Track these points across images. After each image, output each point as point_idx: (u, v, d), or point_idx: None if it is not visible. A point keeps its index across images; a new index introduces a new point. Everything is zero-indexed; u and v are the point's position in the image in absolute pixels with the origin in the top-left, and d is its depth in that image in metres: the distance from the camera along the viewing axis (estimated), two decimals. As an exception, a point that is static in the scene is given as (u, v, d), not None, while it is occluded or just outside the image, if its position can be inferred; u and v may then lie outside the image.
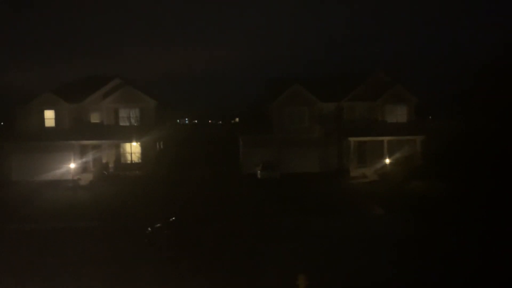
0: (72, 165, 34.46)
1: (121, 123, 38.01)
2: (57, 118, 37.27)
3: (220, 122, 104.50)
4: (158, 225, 19.65)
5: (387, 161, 35.01)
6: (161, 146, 43.07)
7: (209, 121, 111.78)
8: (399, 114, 38.05)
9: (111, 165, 36.62)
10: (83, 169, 35.63)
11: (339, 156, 37.70)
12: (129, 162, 37.55)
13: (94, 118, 38.70)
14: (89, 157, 36.69)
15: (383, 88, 37.86)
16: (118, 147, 37.22)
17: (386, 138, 35.71)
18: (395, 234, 19.76)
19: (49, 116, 37.38)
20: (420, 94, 39.58)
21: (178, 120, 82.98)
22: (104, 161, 36.69)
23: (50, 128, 37.02)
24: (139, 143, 36.83)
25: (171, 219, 20.03)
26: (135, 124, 37.80)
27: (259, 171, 34.79)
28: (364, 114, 38.04)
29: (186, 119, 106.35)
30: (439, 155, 34.79)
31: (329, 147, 37.79)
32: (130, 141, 36.65)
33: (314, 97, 37.97)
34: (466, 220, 21.77)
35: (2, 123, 60.41)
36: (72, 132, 36.41)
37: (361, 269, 15.65)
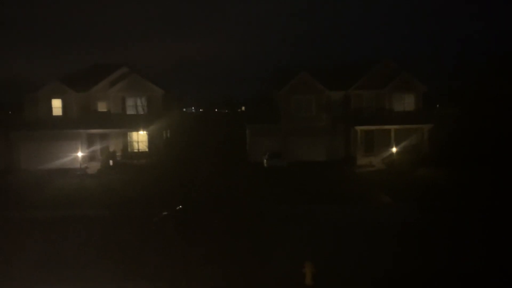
0: (80, 154, 34.72)
1: (128, 112, 38.14)
2: (64, 107, 37.47)
3: (227, 110, 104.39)
4: (165, 213, 19.81)
5: (394, 149, 34.88)
6: (168, 135, 43.18)
7: (216, 109, 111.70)
8: (406, 103, 37.78)
9: (118, 153, 36.81)
10: (91, 157, 35.88)
11: (346, 144, 37.62)
12: (136, 150, 37.71)
13: (101, 107, 38.86)
14: (97, 145, 36.91)
15: (390, 76, 37.56)
16: (125, 135, 37.39)
17: (393, 127, 35.53)
18: (401, 223, 19.78)
19: (57, 105, 37.58)
20: (429, 82, 39.28)
21: (184, 109, 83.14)
22: (111, 149, 36.90)
23: (57, 117, 37.23)
24: (146, 131, 36.94)
25: (177, 208, 20.18)
26: (142, 113, 37.90)
27: (265, 160, 34.82)
28: (371, 102, 37.83)
29: (193, 107, 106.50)
30: (446, 143, 34.58)
31: (336, 135, 37.70)
32: (137, 130, 36.78)
33: (322, 85, 37.79)
34: (473, 207, 21.71)
35: (10, 112, 60.77)
36: (80, 121, 36.59)
37: (367, 257, 15.70)
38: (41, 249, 17.01)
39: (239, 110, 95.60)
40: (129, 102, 38.20)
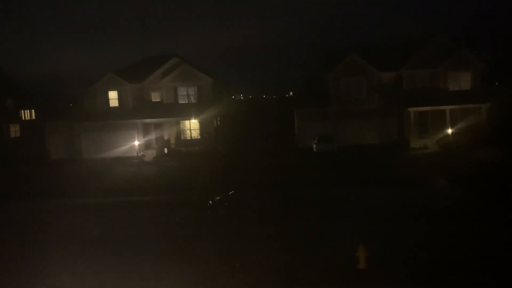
0: (136, 143, 36.27)
1: (180, 101, 39.30)
2: (120, 98, 39.15)
3: (275, 96, 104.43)
4: (218, 198, 20.47)
5: (450, 131, 33.61)
6: (219, 122, 44.08)
7: (264, 96, 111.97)
8: (463, 81, 36.10)
9: (172, 141, 38.11)
10: (147, 146, 37.38)
11: (399, 127, 36.66)
12: (189, 138, 38.88)
13: (155, 97, 40.26)
14: (152, 134, 38.39)
15: (445, 54, 36.00)
16: (178, 124, 38.57)
17: (448, 107, 34.17)
18: (458, 206, 19.21)
19: (113, 96, 39.35)
20: (487, 58, 37.32)
21: (233, 96, 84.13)
22: (166, 138, 38.23)
23: (114, 108, 39.02)
24: (198, 120, 37.92)
25: (230, 192, 20.78)
26: (193, 102, 38.94)
27: (314, 144, 34.67)
28: (425, 82, 36.52)
29: (241, 95, 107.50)
30: (506, 123, 32.83)
31: (388, 118, 36.79)
32: (189, 118, 37.83)
33: (372, 66, 36.92)
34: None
35: (70, 105, 64.36)
36: (135, 111, 38.15)
37: (421, 241, 15.44)
38: (108, 230, 18.20)
39: (287, 95, 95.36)
40: (181, 91, 39.33)
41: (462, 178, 24.04)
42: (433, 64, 36.10)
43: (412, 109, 34.70)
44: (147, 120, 37.38)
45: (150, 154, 35.46)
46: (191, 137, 38.89)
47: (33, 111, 54.74)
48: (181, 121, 38.51)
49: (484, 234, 15.90)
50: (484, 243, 15.10)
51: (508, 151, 29.61)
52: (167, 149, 36.83)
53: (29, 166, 34.71)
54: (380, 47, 41.20)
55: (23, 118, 52.22)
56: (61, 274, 14.23)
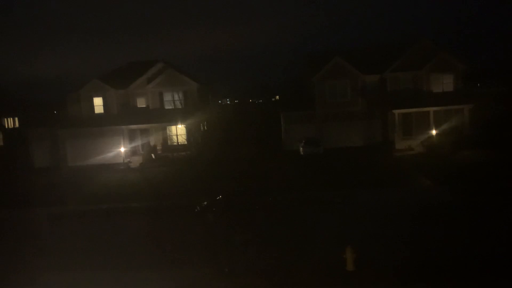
0: (122, 149, 35.99)
1: (166, 107, 39.15)
2: (105, 104, 38.85)
3: (261, 100, 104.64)
4: (205, 203, 20.45)
5: (434, 132, 34.10)
6: (205, 127, 44.02)
7: (250, 100, 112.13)
8: (445, 83, 36.73)
9: (159, 147, 37.91)
10: (133, 152, 37.10)
11: (384, 129, 37.07)
12: (175, 144, 38.72)
13: (140, 102, 40.05)
14: (138, 140, 38.15)
15: (428, 56, 36.59)
16: (164, 130, 38.39)
17: (432, 109, 34.68)
18: (443, 206, 19.47)
19: (98, 103, 39.03)
20: (469, 60, 38.02)
21: (219, 101, 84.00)
22: (152, 144, 38.03)
23: (99, 114, 38.68)
24: (184, 125, 37.80)
25: (217, 197, 20.77)
26: (180, 107, 38.81)
27: (301, 147, 34.84)
28: (408, 84, 37.05)
29: (228, 99, 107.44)
30: (488, 124, 33.44)
31: (373, 120, 37.19)
32: (176, 124, 37.68)
33: (356, 69, 37.31)
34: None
35: (55, 112, 63.58)
36: (120, 117, 37.86)
37: (409, 242, 15.61)
38: (96, 238, 18.02)
39: (273, 99, 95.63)
40: (167, 97, 39.20)
41: (447, 179, 24.40)
42: (416, 67, 36.65)
43: (396, 111, 35.13)
44: (133, 126, 37.14)
45: (137, 161, 35.22)
46: (177, 142, 38.75)
47: (16, 119, 54.02)
48: (167, 127, 38.34)
49: (471, 233, 16.15)
50: (471, 242, 15.33)
51: (491, 151, 30.15)
52: (154, 155, 36.64)
53: (12, 174, 34.18)
54: (364, 50, 41.68)
55: (7, 126, 51.53)
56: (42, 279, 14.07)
